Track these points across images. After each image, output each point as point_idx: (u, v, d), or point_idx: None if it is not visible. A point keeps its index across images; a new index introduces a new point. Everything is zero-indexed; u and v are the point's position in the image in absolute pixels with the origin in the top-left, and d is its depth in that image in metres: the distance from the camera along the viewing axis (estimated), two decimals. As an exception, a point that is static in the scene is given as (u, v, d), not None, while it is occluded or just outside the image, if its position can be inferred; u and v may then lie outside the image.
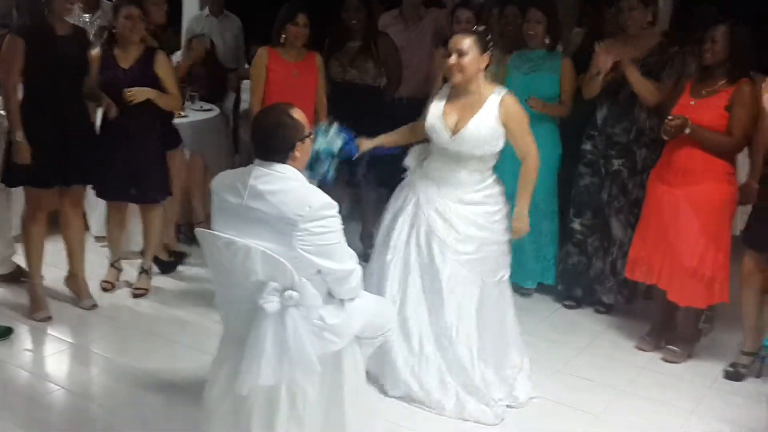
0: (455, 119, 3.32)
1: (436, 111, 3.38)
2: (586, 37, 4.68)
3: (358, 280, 2.74)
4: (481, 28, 3.39)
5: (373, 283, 3.47)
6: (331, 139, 3.29)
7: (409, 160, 3.54)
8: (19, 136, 3.69)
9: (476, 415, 3.28)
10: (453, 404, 3.31)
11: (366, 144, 3.48)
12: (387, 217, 3.56)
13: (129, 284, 4.39)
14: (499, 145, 3.33)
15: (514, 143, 3.36)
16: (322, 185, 3.38)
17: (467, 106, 3.32)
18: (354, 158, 3.43)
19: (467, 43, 3.25)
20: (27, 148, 3.70)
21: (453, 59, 3.27)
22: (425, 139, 3.50)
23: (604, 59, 3.93)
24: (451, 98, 3.39)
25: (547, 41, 4.28)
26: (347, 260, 2.68)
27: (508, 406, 3.36)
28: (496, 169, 3.43)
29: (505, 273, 3.48)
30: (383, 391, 3.40)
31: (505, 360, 3.44)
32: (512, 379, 3.43)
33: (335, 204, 2.61)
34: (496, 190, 3.42)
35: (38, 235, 3.96)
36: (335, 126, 3.31)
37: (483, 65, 3.30)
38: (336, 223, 2.61)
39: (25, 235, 3.99)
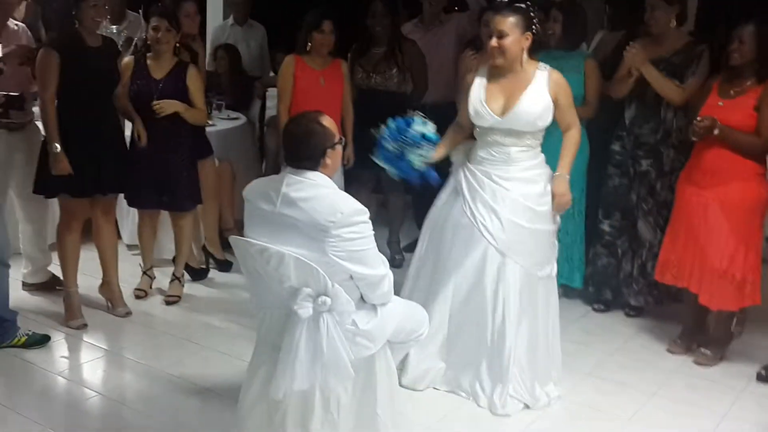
0: (502, 100, 3.30)
1: (477, 95, 3.35)
2: (621, 40, 4.65)
3: (389, 285, 2.77)
4: (524, 5, 3.29)
5: (426, 275, 3.53)
6: (431, 128, 3.33)
7: (455, 156, 3.53)
8: (57, 147, 3.75)
9: (482, 400, 3.36)
10: (469, 385, 3.39)
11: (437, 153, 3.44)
12: (433, 213, 3.56)
13: (162, 291, 4.45)
14: (549, 118, 3.32)
15: (560, 116, 3.36)
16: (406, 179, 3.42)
17: (514, 84, 3.29)
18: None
19: (508, 23, 3.21)
20: (65, 159, 3.77)
21: (494, 41, 3.24)
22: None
23: (633, 56, 3.91)
24: (492, 80, 3.35)
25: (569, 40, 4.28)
26: (379, 265, 2.71)
27: (525, 406, 3.36)
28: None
29: (553, 268, 3.44)
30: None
31: (535, 362, 3.41)
32: (535, 381, 3.40)
33: (366, 210, 2.64)
34: (546, 170, 3.41)
35: (73, 244, 4.02)
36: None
37: (526, 45, 3.26)
38: (367, 228, 2.64)
39: (60, 245, 4.05)
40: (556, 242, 3.48)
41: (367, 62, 4.69)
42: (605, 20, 5.02)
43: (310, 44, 4.34)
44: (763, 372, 3.70)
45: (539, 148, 3.39)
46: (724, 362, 3.86)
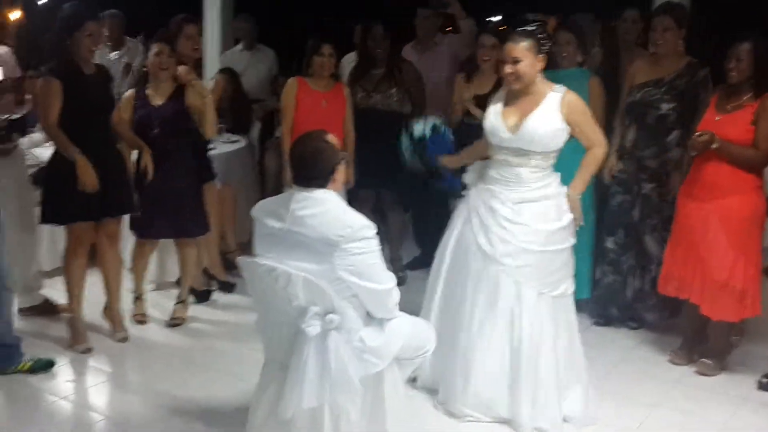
0: (515, 119, 3.30)
1: (494, 112, 3.37)
2: (604, 56, 4.74)
3: (395, 300, 2.80)
4: (533, 27, 3.28)
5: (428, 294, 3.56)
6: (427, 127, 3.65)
7: (469, 176, 3.54)
8: (77, 151, 3.76)
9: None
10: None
11: (449, 161, 3.65)
12: (445, 236, 3.56)
13: (163, 313, 4.45)
14: (561, 141, 3.29)
15: (580, 136, 3.33)
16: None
17: (526, 104, 3.29)
18: (433, 165, 3.69)
19: (521, 49, 3.23)
20: (88, 166, 3.77)
21: (508, 68, 3.25)
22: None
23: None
24: (508, 101, 3.37)
25: (579, 59, 4.34)
26: (386, 280, 2.74)
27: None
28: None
29: (568, 286, 3.38)
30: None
31: (558, 381, 3.35)
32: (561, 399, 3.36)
33: (373, 225, 2.69)
34: (560, 190, 3.36)
35: (80, 270, 4.02)
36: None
37: (540, 67, 3.28)
38: (374, 244, 2.69)
39: (67, 270, 4.05)
40: (572, 258, 3.42)
41: (368, 82, 4.77)
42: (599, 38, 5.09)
43: (311, 67, 4.44)
44: (764, 380, 3.73)
45: (551, 170, 3.35)
46: (725, 372, 3.89)
